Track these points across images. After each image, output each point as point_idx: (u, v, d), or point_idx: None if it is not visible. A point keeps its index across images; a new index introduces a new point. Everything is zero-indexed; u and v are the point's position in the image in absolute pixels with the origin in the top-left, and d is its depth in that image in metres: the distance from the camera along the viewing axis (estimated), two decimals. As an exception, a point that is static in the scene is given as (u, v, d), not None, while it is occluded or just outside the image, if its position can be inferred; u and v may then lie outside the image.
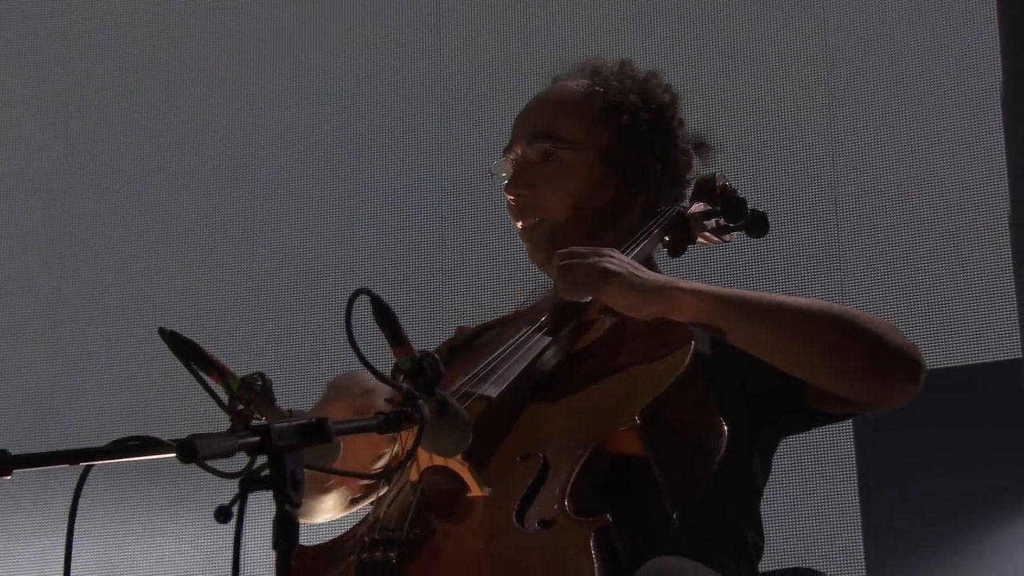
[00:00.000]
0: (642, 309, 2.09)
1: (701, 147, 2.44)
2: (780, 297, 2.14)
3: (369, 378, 1.96)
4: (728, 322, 2.09)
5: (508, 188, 2.39)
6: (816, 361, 2.08)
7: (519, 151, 2.40)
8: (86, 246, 5.86)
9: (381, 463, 2.07)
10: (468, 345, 2.37)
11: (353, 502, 2.22)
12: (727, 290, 2.13)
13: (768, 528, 2.25)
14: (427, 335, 2.26)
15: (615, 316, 2.17)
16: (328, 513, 2.23)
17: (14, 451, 1.49)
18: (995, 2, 4.83)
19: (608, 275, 2.08)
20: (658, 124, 2.40)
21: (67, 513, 1.54)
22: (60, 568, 1.56)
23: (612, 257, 2.12)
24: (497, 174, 2.42)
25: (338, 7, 5.79)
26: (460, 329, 2.49)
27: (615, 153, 2.36)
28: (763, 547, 2.22)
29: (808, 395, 2.14)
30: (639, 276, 2.10)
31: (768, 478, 2.27)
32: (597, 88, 2.40)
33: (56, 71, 5.98)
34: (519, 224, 2.39)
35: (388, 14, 5.72)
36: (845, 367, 2.09)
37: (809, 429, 2.29)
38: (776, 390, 2.13)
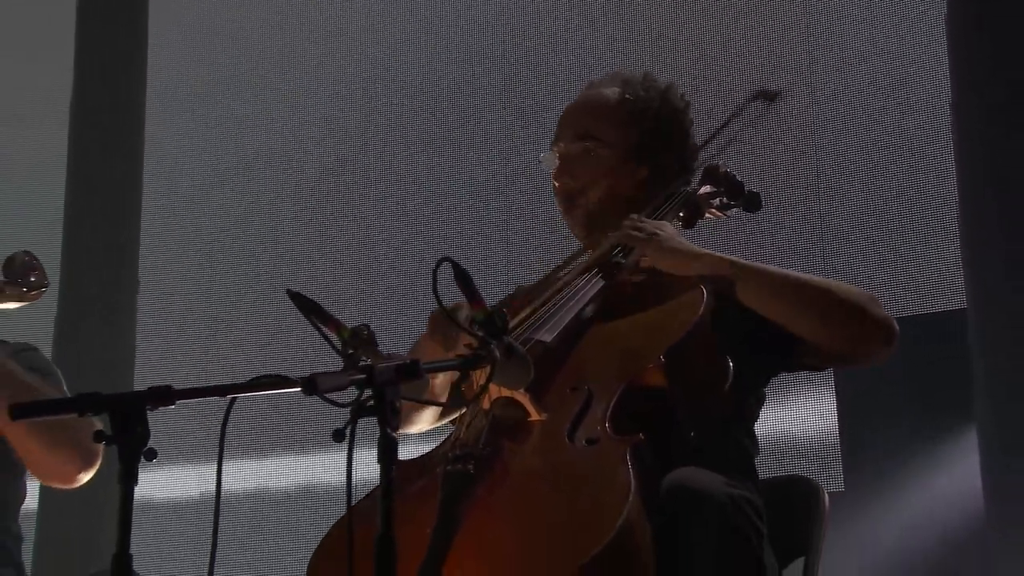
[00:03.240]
0: (674, 264, 2.12)
1: (767, 94, 2.43)
2: (786, 271, 2.13)
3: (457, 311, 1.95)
4: (742, 283, 2.08)
5: (555, 177, 2.38)
6: (814, 322, 2.05)
7: (563, 146, 2.38)
8: (235, 224, 5.91)
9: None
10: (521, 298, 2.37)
11: (443, 414, 2.22)
12: (744, 260, 2.12)
13: (764, 444, 2.23)
14: (492, 291, 2.26)
15: (645, 276, 2.16)
16: (424, 424, 2.24)
17: (177, 386, 1.50)
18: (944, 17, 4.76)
19: (656, 236, 2.13)
20: (675, 125, 2.38)
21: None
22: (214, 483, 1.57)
23: (664, 227, 2.17)
24: (545, 165, 2.41)
25: None
26: (519, 288, 2.48)
27: (641, 150, 2.35)
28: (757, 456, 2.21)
29: (798, 349, 2.10)
30: (678, 241, 2.15)
31: (762, 404, 2.25)
32: (627, 96, 2.38)
33: (202, 71, 6.03)
34: (563, 207, 2.38)
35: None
36: (835, 329, 2.06)
37: (795, 371, 2.27)
38: (771, 343, 2.10)
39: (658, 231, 2.15)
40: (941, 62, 4.81)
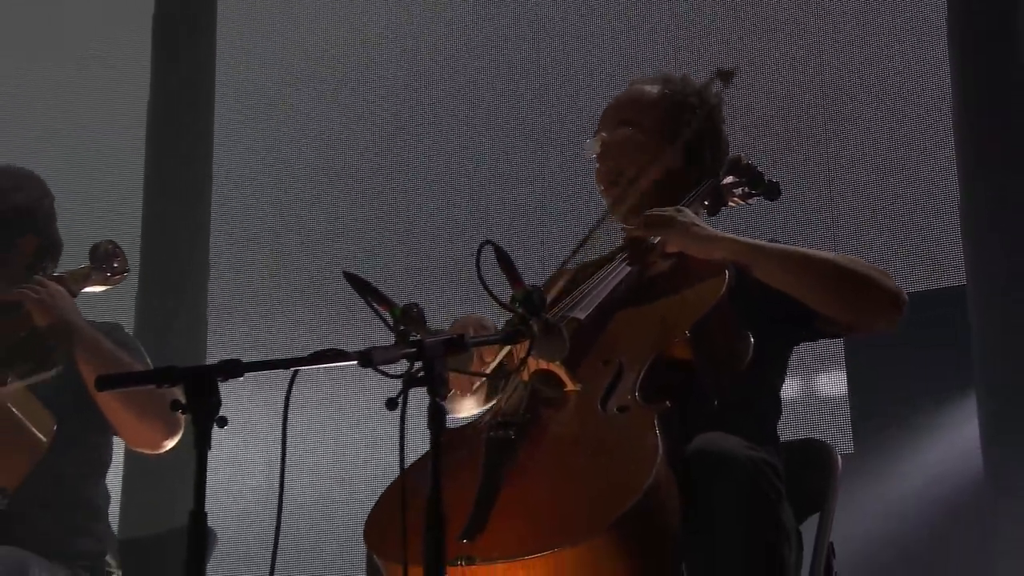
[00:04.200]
0: (698, 250, 2.08)
1: (726, 74, 2.38)
2: (801, 248, 2.10)
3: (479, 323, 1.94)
4: (759, 263, 2.04)
5: (598, 159, 2.35)
6: (826, 295, 2.02)
7: (606, 134, 2.35)
8: (296, 213, 5.94)
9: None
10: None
11: (488, 399, 2.21)
12: (761, 241, 2.09)
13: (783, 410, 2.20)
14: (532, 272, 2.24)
15: (672, 258, 2.14)
16: (471, 410, 2.22)
17: (244, 359, 1.50)
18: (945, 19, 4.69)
19: (678, 224, 2.09)
20: (709, 120, 2.34)
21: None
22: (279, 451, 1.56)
23: (684, 213, 2.12)
24: (588, 150, 2.38)
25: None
26: (559, 270, 2.46)
27: (677, 139, 2.31)
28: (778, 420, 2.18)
29: (816, 320, 2.07)
30: (699, 227, 2.10)
31: (785, 376, 2.22)
32: (667, 91, 2.35)
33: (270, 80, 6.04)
34: (603, 187, 2.35)
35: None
36: (846, 301, 2.02)
37: (815, 340, 2.23)
38: (791, 315, 2.07)
39: (683, 220, 2.12)
40: (941, 62, 4.75)
